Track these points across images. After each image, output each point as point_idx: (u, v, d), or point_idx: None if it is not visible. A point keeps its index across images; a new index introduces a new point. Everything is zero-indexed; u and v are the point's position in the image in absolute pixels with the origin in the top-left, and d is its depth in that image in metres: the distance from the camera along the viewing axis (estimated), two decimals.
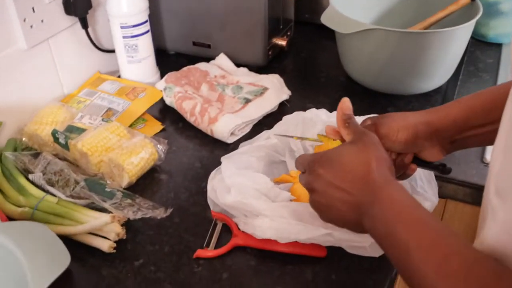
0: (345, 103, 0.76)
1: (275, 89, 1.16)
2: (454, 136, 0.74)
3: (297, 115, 0.99)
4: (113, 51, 1.21)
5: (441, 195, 0.97)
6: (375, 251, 0.78)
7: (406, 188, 0.86)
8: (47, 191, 0.89)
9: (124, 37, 1.14)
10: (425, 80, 1.14)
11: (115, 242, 0.83)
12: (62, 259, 0.61)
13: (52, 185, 0.89)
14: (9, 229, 0.64)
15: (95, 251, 0.83)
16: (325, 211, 0.69)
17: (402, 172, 0.78)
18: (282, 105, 1.16)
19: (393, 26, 1.14)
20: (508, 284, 0.47)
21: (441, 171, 0.79)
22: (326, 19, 1.12)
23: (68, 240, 0.84)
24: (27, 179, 0.92)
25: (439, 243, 0.54)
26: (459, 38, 1.09)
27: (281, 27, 1.31)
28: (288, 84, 1.20)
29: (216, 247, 0.84)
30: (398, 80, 1.14)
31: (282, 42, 1.30)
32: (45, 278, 0.58)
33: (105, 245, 0.82)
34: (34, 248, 0.61)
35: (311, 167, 0.68)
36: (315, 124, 0.94)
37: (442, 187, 0.96)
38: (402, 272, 0.57)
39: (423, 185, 0.86)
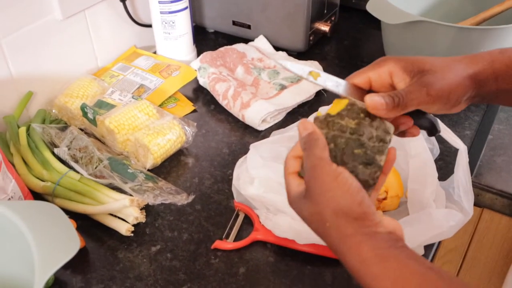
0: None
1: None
2: (489, 93, 0.62)
3: None
4: (150, 25, 1.19)
5: (477, 204, 0.92)
6: None
7: (443, 195, 0.81)
8: (70, 167, 0.88)
9: (161, 12, 1.11)
10: None
11: (134, 225, 0.82)
12: (72, 245, 0.59)
13: (76, 161, 0.88)
14: (23, 209, 0.63)
15: (113, 233, 0.82)
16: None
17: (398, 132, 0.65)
18: (319, 94, 1.11)
19: (443, 18, 1.07)
20: None
21: (430, 133, 0.66)
22: (372, 7, 1.06)
23: (88, 219, 0.83)
24: (52, 153, 0.91)
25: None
26: None
27: (325, 11, 1.25)
28: (328, 72, 1.14)
29: (235, 240, 0.81)
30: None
31: (325, 28, 1.24)
32: (52, 264, 0.56)
33: (123, 228, 0.81)
34: (45, 232, 0.60)
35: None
36: None
37: (480, 195, 0.91)
38: None
39: (460, 194, 0.81)
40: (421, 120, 0.63)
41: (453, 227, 0.76)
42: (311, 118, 0.82)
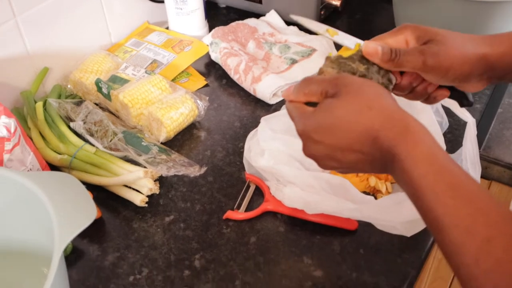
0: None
1: (324, 51, 1.12)
2: (507, 74, 0.63)
3: None
4: (162, 1, 1.20)
5: (485, 177, 0.94)
6: (407, 230, 0.75)
7: None
8: (86, 140, 0.90)
9: None
10: None
11: (148, 196, 0.84)
12: (89, 213, 0.62)
13: (91, 134, 0.90)
14: (42, 179, 0.65)
15: (128, 204, 0.85)
16: (344, 171, 0.59)
17: (423, 99, 0.67)
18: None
19: None
20: None
21: (461, 104, 0.68)
22: None
23: (103, 191, 0.86)
24: (68, 127, 0.93)
25: (480, 221, 0.45)
26: None
27: None
28: (338, 46, 1.16)
29: (246, 210, 0.83)
30: None
31: (336, 2, 1.24)
32: (70, 231, 0.58)
33: (138, 199, 0.83)
34: (63, 200, 0.62)
35: (303, 135, 0.58)
36: None
37: (488, 168, 0.92)
38: (438, 245, 0.50)
39: (467, 166, 0.82)
40: (454, 90, 0.65)
41: None
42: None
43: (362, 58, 0.61)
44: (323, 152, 0.56)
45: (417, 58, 0.59)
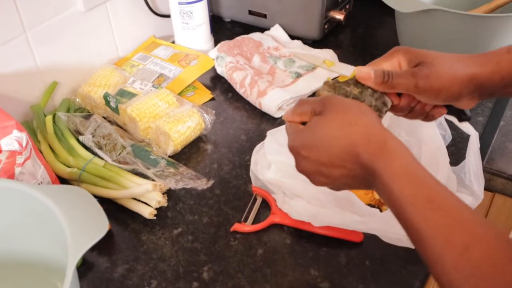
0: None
1: None
2: (497, 91, 0.66)
3: None
4: (169, 16, 1.22)
5: (489, 189, 0.95)
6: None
7: (455, 180, 0.83)
8: (95, 154, 0.92)
9: (179, 3, 1.14)
10: None
11: (156, 209, 0.85)
12: (101, 226, 0.63)
13: (100, 148, 0.92)
14: (56, 192, 0.66)
15: (137, 216, 0.86)
16: (334, 187, 0.62)
17: (422, 117, 0.70)
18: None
19: (457, 5, 1.09)
20: None
21: (460, 118, 0.72)
22: None
23: (112, 203, 0.87)
24: (78, 140, 0.95)
25: (457, 231, 0.48)
26: None
27: (339, 0, 1.27)
28: (342, 60, 1.18)
29: (253, 223, 0.85)
30: None
31: (340, 16, 1.26)
32: (84, 243, 0.60)
33: (146, 212, 0.84)
34: (76, 213, 0.63)
35: (293, 151, 0.61)
36: None
37: (491, 180, 0.93)
38: (420, 255, 0.51)
39: (471, 178, 0.83)
40: (451, 107, 0.68)
41: None
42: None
43: (357, 82, 0.65)
44: (311, 168, 0.60)
45: (409, 80, 0.62)
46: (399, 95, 0.67)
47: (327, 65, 0.71)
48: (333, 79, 0.67)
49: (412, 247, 0.76)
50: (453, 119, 0.71)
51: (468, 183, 0.82)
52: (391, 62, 0.65)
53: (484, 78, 0.63)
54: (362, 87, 0.65)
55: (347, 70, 0.68)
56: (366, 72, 0.63)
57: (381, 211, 0.81)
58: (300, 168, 0.62)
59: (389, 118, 0.86)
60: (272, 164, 0.85)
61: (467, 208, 0.50)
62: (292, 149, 0.62)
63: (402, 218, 0.52)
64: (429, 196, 0.51)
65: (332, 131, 0.57)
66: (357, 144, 0.55)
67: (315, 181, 0.61)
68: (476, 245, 0.47)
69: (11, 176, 0.79)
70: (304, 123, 0.62)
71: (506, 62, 0.63)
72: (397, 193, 0.52)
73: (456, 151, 0.95)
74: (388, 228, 0.75)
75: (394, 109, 0.68)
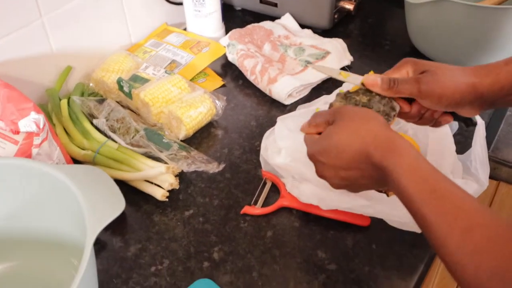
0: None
1: (337, 54, 1.15)
2: (497, 100, 0.71)
3: None
4: (181, 3, 1.23)
5: (494, 177, 0.96)
6: (417, 226, 0.78)
7: (461, 167, 0.85)
8: (109, 137, 0.94)
9: None
10: (494, 56, 1.10)
11: (168, 191, 0.87)
12: (118, 204, 0.65)
13: (114, 131, 0.94)
14: (73, 171, 0.69)
15: (149, 198, 0.88)
16: (352, 189, 0.69)
17: (431, 123, 0.76)
18: (343, 70, 1.15)
19: None
20: None
21: (466, 124, 0.78)
22: None
23: (125, 185, 0.89)
24: (91, 123, 0.97)
25: (459, 216, 0.53)
26: None
27: None
28: (351, 49, 1.19)
29: (263, 206, 0.87)
30: (465, 55, 1.11)
31: (349, 6, 1.28)
32: (100, 221, 0.62)
33: (159, 193, 0.87)
34: (93, 192, 0.66)
35: (313, 159, 0.69)
36: None
37: (497, 169, 0.95)
38: (428, 241, 0.56)
39: (476, 166, 0.85)
40: (458, 115, 0.73)
41: None
42: (334, 93, 0.87)
43: (366, 91, 0.72)
44: (330, 172, 0.67)
45: (413, 85, 0.69)
46: (410, 103, 0.72)
47: (343, 76, 0.77)
48: (345, 91, 0.74)
49: (417, 230, 0.79)
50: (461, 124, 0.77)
51: (474, 170, 0.84)
52: (400, 73, 0.72)
53: (484, 88, 0.69)
54: (370, 94, 0.71)
55: (360, 80, 0.74)
56: (373, 79, 0.71)
57: (387, 196, 0.83)
58: (320, 174, 0.69)
59: None
60: (282, 149, 0.87)
61: (469, 196, 0.55)
62: (311, 157, 0.68)
63: (410, 208, 0.57)
64: (433, 187, 0.56)
65: (344, 137, 0.64)
66: (368, 146, 0.61)
67: (335, 184, 0.68)
68: (477, 228, 0.51)
69: (28, 156, 0.81)
70: (319, 133, 0.69)
71: (505, 74, 0.68)
72: (405, 187, 0.57)
73: (463, 140, 0.96)
74: (394, 212, 0.77)
75: (406, 116, 0.74)
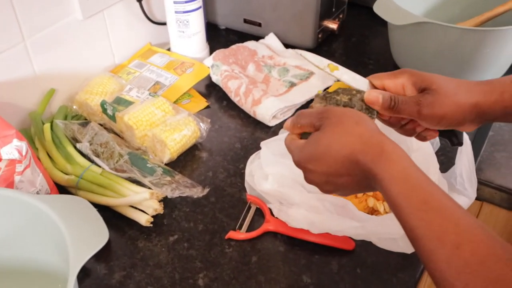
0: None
1: (321, 74, 1.16)
2: (498, 118, 0.69)
3: None
4: (164, 23, 1.23)
5: (477, 198, 0.97)
6: (407, 246, 0.78)
7: (445, 185, 0.85)
8: (92, 161, 0.93)
9: (176, 12, 1.16)
10: (475, 77, 1.11)
11: (152, 216, 0.87)
12: (101, 236, 0.65)
13: (97, 155, 0.93)
14: (56, 203, 0.68)
15: (134, 223, 0.88)
16: (343, 193, 0.67)
17: (413, 136, 0.73)
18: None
19: (449, 18, 1.12)
20: None
21: (452, 142, 0.74)
22: (378, 8, 1.11)
23: (109, 210, 0.89)
24: (75, 147, 0.96)
25: (450, 231, 0.51)
26: None
27: (333, 9, 1.30)
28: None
29: (248, 230, 0.87)
30: (447, 75, 1.11)
31: (333, 26, 1.29)
32: (84, 253, 0.61)
33: (143, 219, 0.86)
34: (76, 223, 0.65)
35: (300, 166, 0.66)
36: None
37: (480, 189, 0.95)
38: (417, 254, 0.55)
39: (462, 182, 0.85)
40: (444, 131, 0.71)
41: None
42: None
43: (345, 90, 0.68)
44: (320, 179, 0.64)
45: (413, 108, 0.66)
46: None
47: (330, 69, 0.74)
48: (323, 91, 0.70)
49: (407, 251, 0.79)
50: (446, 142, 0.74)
51: (459, 186, 0.84)
52: (394, 81, 0.68)
53: (487, 106, 0.66)
54: (351, 93, 0.68)
55: (349, 75, 0.71)
56: (375, 96, 0.67)
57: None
58: (309, 180, 0.66)
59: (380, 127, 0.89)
60: (269, 175, 0.87)
61: (460, 209, 0.53)
62: (299, 164, 0.65)
63: (400, 218, 0.55)
64: (423, 198, 0.54)
65: (332, 143, 0.61)
66: (357, 152, 0.59)
67: (324, 190, 0.66)
68: (467, 244, 0.49)
69: (11, 183, 0.80)
70: (303, 134, 0.67)
71: (509, 93, 0.66)
72: (394, 196, 0.55)
73: (446, 160, 0.97)
74: (386, 230, 0.78)
75: (385, 122, 0.71)
